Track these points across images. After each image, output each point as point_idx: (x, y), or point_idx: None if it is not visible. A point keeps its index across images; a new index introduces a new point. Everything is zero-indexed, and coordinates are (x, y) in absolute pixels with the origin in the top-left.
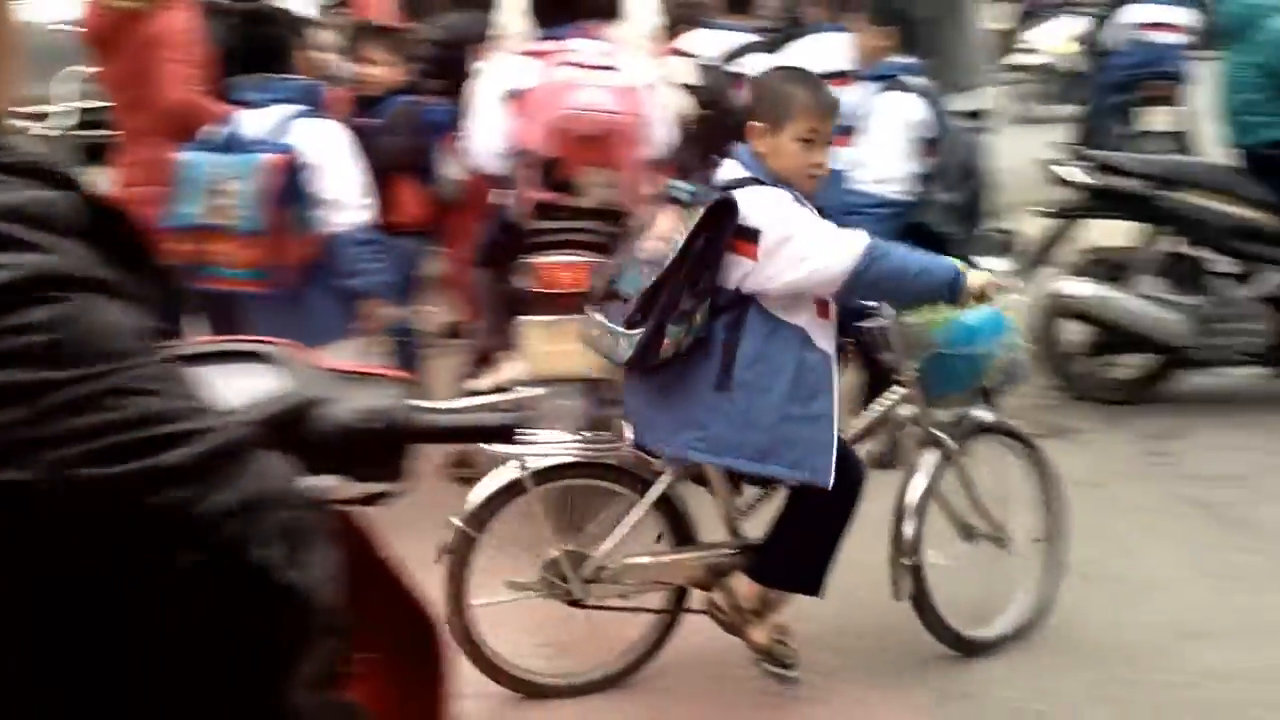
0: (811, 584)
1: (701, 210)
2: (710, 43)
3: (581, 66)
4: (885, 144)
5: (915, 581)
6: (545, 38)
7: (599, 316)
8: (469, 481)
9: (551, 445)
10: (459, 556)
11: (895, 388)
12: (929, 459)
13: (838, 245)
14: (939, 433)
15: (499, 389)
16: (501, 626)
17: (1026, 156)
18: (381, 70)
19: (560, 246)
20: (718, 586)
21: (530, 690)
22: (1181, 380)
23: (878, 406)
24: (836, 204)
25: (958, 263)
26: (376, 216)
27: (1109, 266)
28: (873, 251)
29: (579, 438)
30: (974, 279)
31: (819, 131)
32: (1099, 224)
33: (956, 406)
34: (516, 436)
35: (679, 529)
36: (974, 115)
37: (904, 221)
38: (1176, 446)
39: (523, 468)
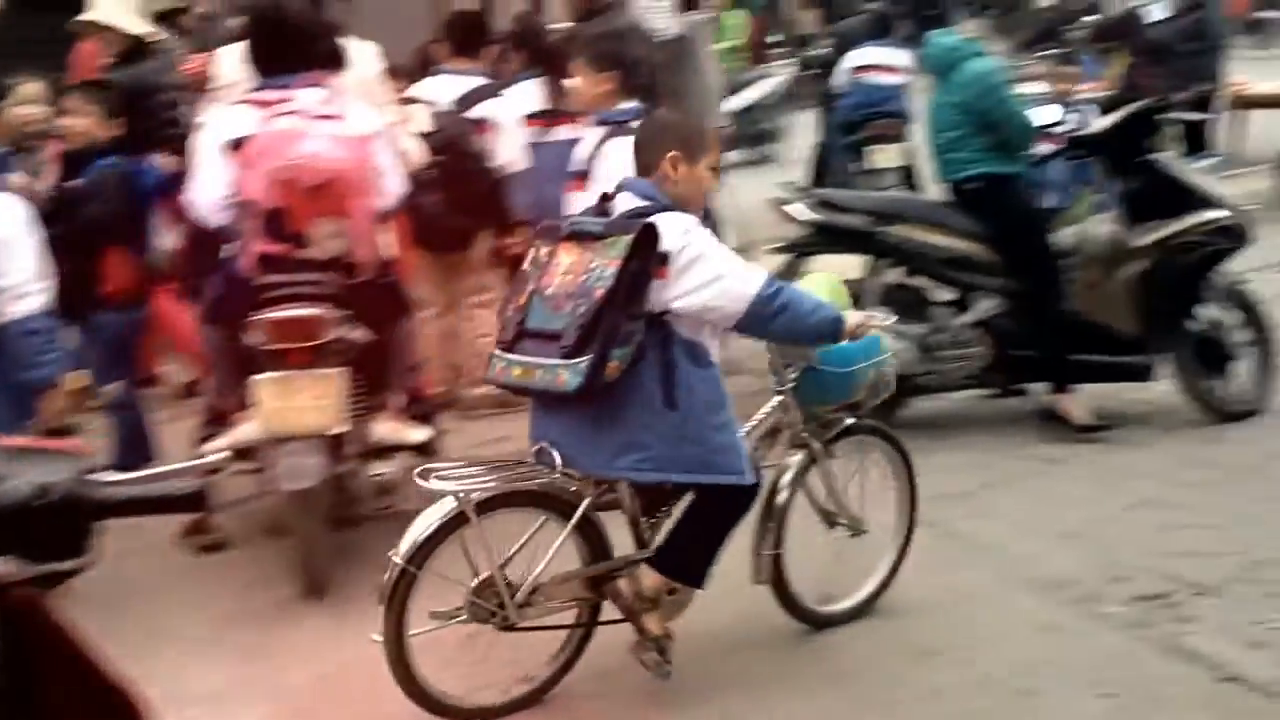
0: (696, 577)
1: (625, 239)
2: (442, 89)
3: (304, 116)
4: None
5: (774, 569)
6: (267, 87)
7: (518, 355)
8: (211, 549)
9: (486, 478)
10: (400, 595)
11: (774, 397)
12: (795, 460)
13: (746, 270)
14: (807, 436)
15: (234, 448)
16: (431, 658)
17: (759, 195)
18: (84, 124)
19: (290, 300)
20: (624, 576)
21: (466, 716)
22: (912, 405)
23: (762, 415)
24: None
25: (834, 304)
26: (54, 300)
27: None
28: (774, 282)
29: (511, 467)
30: (851, 319)
31: (718, 160)
32: (827, 258)
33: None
34: (207, 502)
35: (598, 545)
36: None
37: None
38: None
39: (464, 501)
